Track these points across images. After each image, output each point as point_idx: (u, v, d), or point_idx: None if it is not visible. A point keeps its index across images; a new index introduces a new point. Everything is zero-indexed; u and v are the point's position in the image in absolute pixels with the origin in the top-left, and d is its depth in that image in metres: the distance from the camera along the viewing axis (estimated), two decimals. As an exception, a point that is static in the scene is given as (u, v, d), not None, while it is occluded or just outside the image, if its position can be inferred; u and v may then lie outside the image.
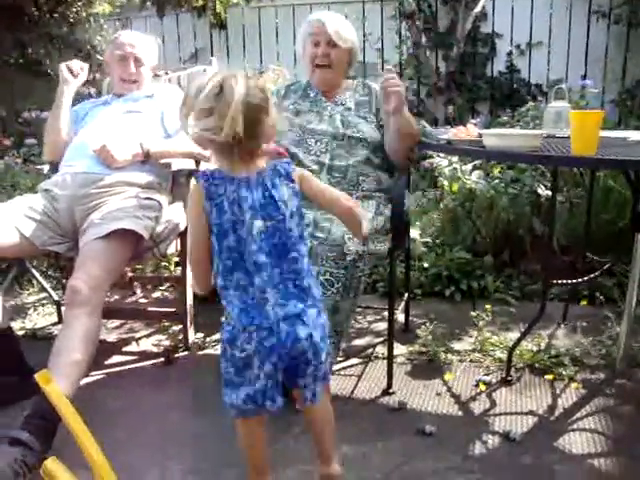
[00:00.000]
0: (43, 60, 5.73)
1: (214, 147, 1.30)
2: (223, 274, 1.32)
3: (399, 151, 2.17)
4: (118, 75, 2.55)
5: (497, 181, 3.15)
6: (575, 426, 1.88)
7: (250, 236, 1.28)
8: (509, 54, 5.63)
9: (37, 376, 1.37)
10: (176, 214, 2.39)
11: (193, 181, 1.28)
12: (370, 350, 2.41)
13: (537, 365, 2.23)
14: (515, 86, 5.62)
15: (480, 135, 1.95)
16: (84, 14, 5.82)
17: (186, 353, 2.46)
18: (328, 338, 1.40)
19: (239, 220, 1.28)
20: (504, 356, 2.24)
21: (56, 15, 5.75)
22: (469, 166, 3.25)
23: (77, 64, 2.52)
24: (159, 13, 6.01)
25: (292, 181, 1.33)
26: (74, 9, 5.77)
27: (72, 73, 2.50)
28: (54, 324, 2.83)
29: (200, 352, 2.47)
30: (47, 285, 2.88)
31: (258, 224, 1.28)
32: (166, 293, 3.18)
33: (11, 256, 2.37)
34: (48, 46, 5.71)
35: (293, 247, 1.32)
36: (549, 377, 2.15)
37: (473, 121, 3.22)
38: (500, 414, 1.95)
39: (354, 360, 2.33)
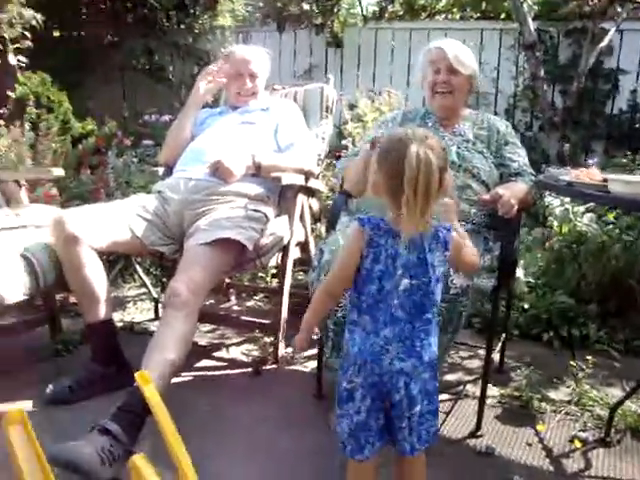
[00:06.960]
0: (167, 67, 6.08)
1: (390, 196, 1.30)
2: (358, 312, 1.35)
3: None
4: (235, 89, 2.65)
5: (611, 226, 2.99)
6: (683, 503, 1.72)
7: (395, 291, 1.30)
8: (633, 92, 5.36)
9: (137, 375, 1.41)
10: (281, 227, 2.41)
11: (356, 224, 1.33)
12: (460, 387, 2.33)
13: (641, 430, 2.07)
14: (637, 126, 5.34)
15: (605, 180, 1.84)
16: (208, 26, 6.11)
17: (274, 366, 2.46)
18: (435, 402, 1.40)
19: (389, 273, 1.30)
20: (603, 413, 2.10)
21: (183, 26, 6.09)
22: (581, 208, 3.10)
23: (217, 65, 2.69)
24: (279, 29, 6.20)
25: (447, 249, 1.34)
26: (200, 21, 6.09)
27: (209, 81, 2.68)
28: (151, 320, 2.93)
29: (288, 367, 2.47)
30: (148, 282, 2.98)
31: (405, 282, 1.30)
32: (260, 303, 3.23)
33: (121, 252, 2.49)
34: (173, 54, 6.05)
35: (430, 309, 1.34)
36: (655, 445, 1.99)
37: (590, 162, 3.09)
38: (596, 477, 1.82)
39: (444, 396, 2.26)
